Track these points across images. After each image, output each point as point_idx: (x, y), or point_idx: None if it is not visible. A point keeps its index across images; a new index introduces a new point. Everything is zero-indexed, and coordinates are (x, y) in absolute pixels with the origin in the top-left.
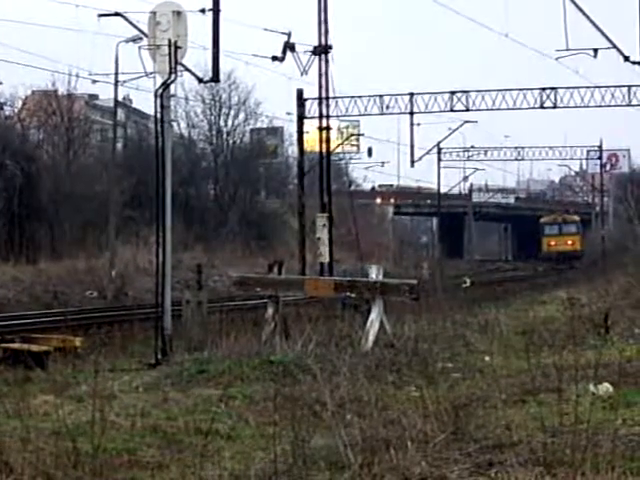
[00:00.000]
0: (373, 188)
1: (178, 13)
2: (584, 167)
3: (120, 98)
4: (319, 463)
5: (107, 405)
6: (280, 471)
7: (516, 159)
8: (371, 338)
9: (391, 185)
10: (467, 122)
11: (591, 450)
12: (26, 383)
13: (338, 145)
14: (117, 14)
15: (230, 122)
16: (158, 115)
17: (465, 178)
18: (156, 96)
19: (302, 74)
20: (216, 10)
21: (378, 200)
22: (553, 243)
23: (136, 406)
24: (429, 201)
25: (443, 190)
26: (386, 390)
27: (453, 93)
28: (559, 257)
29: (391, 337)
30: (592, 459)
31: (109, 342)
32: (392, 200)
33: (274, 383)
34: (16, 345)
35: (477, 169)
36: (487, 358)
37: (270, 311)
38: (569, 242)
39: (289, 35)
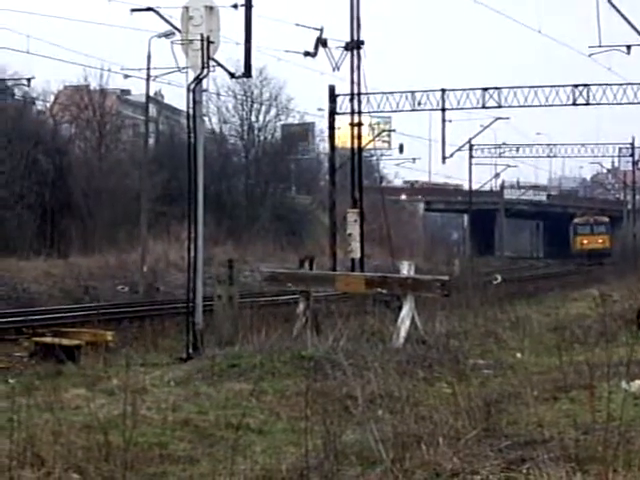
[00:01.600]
0: (412, 184)
1: (211, 8)
2: (616, 164)
3: (152, 93)
4: (350, 458)
5: (138, 399)
6: (311, 466)
7: (548, 156)
8: (402, 334)
9: (416, 181)
10: (499, 119)
11: (623, 447)
12: (58, 377)
13: (370, 141)
14: (149, 9)
15: (261, 118)
16: (190, 110)
17: (497, 175)
18: (188, 91)
19: (334, 70)
20: (248, 5)
21: (403, 196)
22: (585, 241)
23: (167, 400)
24: (460, 198)
25: (474, 187)
26: (417, 386)
27: (485, 89)
28: (590, 254)
29: (422, 333)
30: (624, 456)
31: (140, 336)
32: (420, 197)
33: (305, 378)
34: (48, 339)
35: (509, 166)
36: (519, 355)
37: (301, 306)
38: (599, 240)
39: (321, 30)
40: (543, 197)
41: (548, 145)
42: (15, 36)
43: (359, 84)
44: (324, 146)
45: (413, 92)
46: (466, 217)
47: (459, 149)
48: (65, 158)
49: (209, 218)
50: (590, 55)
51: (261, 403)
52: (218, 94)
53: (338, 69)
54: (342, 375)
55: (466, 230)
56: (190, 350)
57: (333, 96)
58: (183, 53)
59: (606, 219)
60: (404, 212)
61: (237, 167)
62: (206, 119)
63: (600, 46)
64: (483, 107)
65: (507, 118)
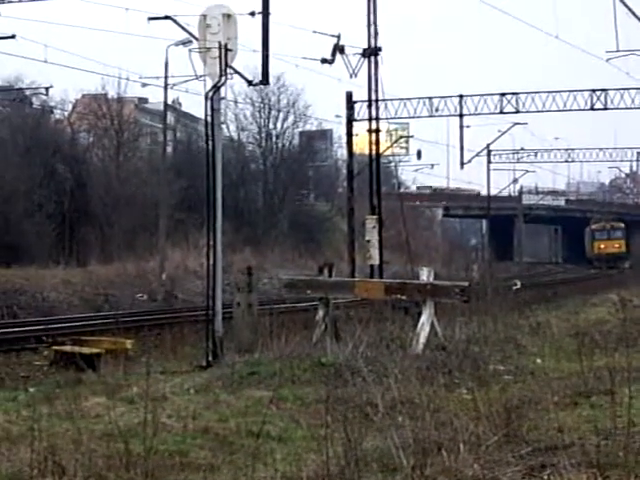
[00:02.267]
0: (435, 190)
1: (228, 16)
2: (634, 169)
3: (170, 101)
4: (371, 465)
5: (158, 407)
6: (332, 473)
7: (566, 161)
8: (422, 340)
9: (430, 187)
10: (517, 124)
11: None
12: (77, 385)
13: (387, 147)
14: (167, 17)
15: (279, 125)
16: (208, 118)
17: (515, 180)
18: (206, 99)
19: (351, 76)
20: (266, 13)
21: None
22: (603, 246)
23: (187, 408)
24: (478, 203)
25: (493, 192)
26: (437, 392)
27: (503, 95)
28: (608, 258)
29: (442, 339)
30: None
31: (160, 344)
32: (439, 202)
33: (325, 385)
34: (67, 347)
35: (527, 171)
36: (539, 360)
37: (320, 313)
38: (616, 245)
39: (338, 37)
40: (561, 202)
41: (566, 150)
42: (33, 45)
43: (376, 91)
44: (342, 153)
45: (430, 98)
46: (485, 222)
47: (477, 155)
48: (83, 167)
49: (227, 225)
50: (608, 60)
51: (281, 410)
52: (236, 102)
53: (355, 76)
54: (362, 382)
55: (485, 236)
56: (210, 358)
57: (350, 103)
58: (201, 61)
59: (622, 225)
60: (422, 218)
61: (255, 174)
62: (224, 127)
63: (618, 51)
64: (501, 112)
65: (525, 123)
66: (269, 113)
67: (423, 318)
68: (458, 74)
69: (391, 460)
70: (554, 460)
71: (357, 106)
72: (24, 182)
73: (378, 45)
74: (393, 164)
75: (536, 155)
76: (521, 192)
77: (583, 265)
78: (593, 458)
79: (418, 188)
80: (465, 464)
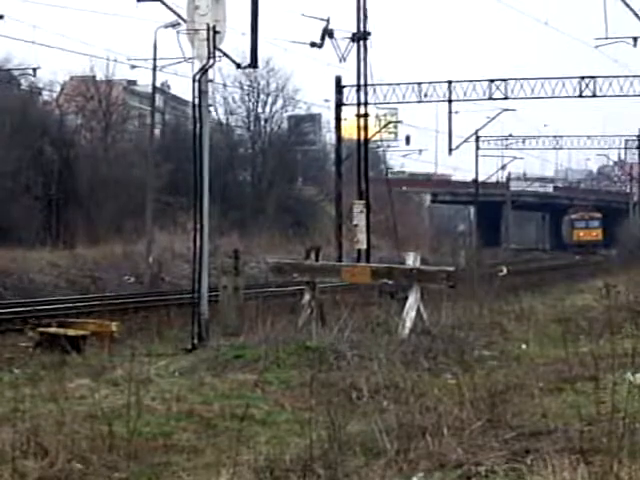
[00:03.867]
0: (429, 178)
1: None
2: (622, 156)
3: (158, 84)
4: (355, 449)
5: (143, 389)
6: (315, 456)
7: (554, 148)
8: (408, 325)
9: (403, 172)
10: (505, 110)
11: (628, 438)
12: (62, 367)
13: (376, 132)
14: None
15: (268, 109)
16: (196, 100)
17: (503, 167)
18: (194, 81)
19: (340, 61)
20: None
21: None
22: (582, 234)
23: (172, 390)
24: (463, 190)
25: (481, 178)
26: (422, 377)
27: (492, 81)
28: (586, 245)
29: (428, 324)
30: (629, 447)
31: (145, 327)
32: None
33: (310, 369)
34: (53, 329)
35: (515, 158)
36: (524, 346)
37: (307, 297)
38: (593, 234)
39: (328, 21)
40: (549, 189)
41: (554, 137)
42: (21, 26)
43: (365, 75)
44: (331, 137)
45: (420, 83)
46: (472, 209)
47: (465, 141)
48: (71, 149)
49: (215, 209)
50: (596, 47)
51: (265, 394)
52: (224, 85)
53: (345, 60)
54: (347, 366)
55: (472, 222)
56: (195, 341)
57: (339, 87)
58: (189, 43)
59: (599, 215)
60: (410, 204)
61: (243, 158)
62: (212, 110)
63: (607, 38)
64: (490, 99)
65: (514, 110)
66: (258, 97)
67: (409, 303)
68: (447, 60)
69: (375, 444)
70: (538, 445)
71: (346, 90)
72: (11, 163)
73: (367, 30)
74: (382, 149)
75: (524, 142)
76: (509, 179)
77: (570, 252)
78: (576, 444)
79: (411, 175)
80: (449, 449)
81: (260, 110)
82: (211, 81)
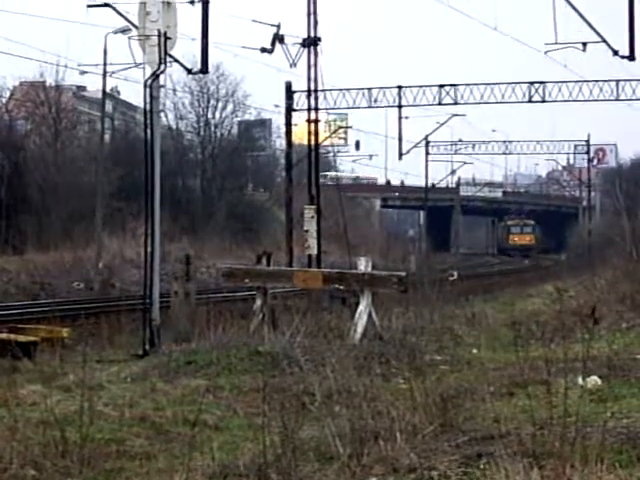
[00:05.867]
0: (402, 184)
1: (168, 3)
2: (571, 161)
3: (108, 89)
4: (308, 454)
5: (95, 395)
6: (269, 462)
7: (504, 153)
8: (359, 330)
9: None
10: (455, 115)
11: (580, 442)
12: (14, 373)
13: (326, 138)
14: (106, 5)
15: (218, 114)
16: (147, 106)
17: (453, 172)
18: (145, 86)
19: (291, 66)
20: (205, 1)
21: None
22: (517, 239)
23: (124, 396)
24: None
25: (431, 183)
26: (374, 382)
27: (441, 86)
28: (521, 249)
29: (379, 329)
30: (581, 451)
31: (96, 333)
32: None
33: (262, 374)
34: (3, 335)
35: (465, 163)
36: (475, 350)
37: (258, 302)
38: (527, 238)
39: (278, 27)
40: (499, 194)
41: (504, 142)
42: None
43: (316, 81)
44: (281, 142)
45: (370, 89)
46: (422, 214)
47: (415, 146)
48: (21, 154)
49: (165, 214)
50: (546, 52)
51: (218, 399)
52: (174, 90)
53: (295, 66)
54: (299, 371)
55: (422, 227)
56: (147, 346)
57: (290, 92)
58: (140, 49)
59: (532, 222)
60: (361, 209)
61: (193, 163)
62: (162, 115)
63: (556, 43)
64: (439, 104)
65: (463, 115)
66: (208, 102)
67: (360, 308)
68: (397, 65)
69: (328, 449)
70: (490, 449)
71: (296, 96)
72: None
73: (318, 35)
74: (332, 154)
75: (474, 147)
76: (459, 184)
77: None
78: (529, 448)
79: (355, 179)
80: (402, 453)
81: (210, 115)
82: (162, 87)
